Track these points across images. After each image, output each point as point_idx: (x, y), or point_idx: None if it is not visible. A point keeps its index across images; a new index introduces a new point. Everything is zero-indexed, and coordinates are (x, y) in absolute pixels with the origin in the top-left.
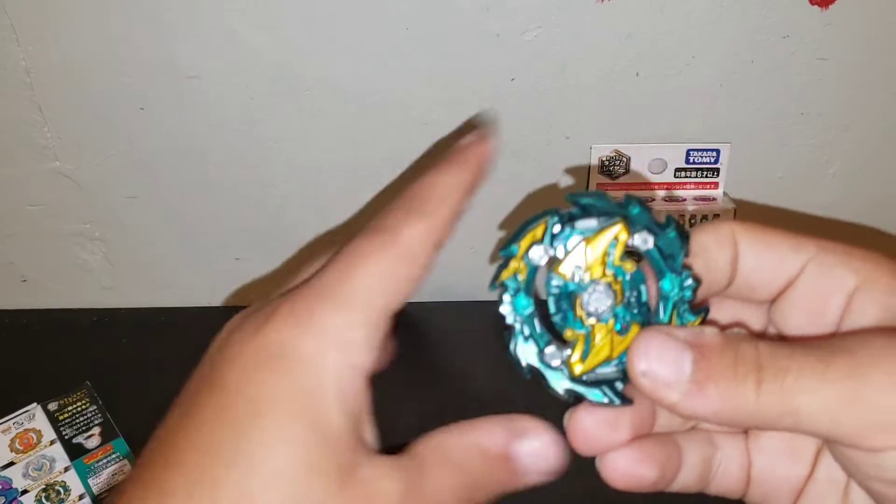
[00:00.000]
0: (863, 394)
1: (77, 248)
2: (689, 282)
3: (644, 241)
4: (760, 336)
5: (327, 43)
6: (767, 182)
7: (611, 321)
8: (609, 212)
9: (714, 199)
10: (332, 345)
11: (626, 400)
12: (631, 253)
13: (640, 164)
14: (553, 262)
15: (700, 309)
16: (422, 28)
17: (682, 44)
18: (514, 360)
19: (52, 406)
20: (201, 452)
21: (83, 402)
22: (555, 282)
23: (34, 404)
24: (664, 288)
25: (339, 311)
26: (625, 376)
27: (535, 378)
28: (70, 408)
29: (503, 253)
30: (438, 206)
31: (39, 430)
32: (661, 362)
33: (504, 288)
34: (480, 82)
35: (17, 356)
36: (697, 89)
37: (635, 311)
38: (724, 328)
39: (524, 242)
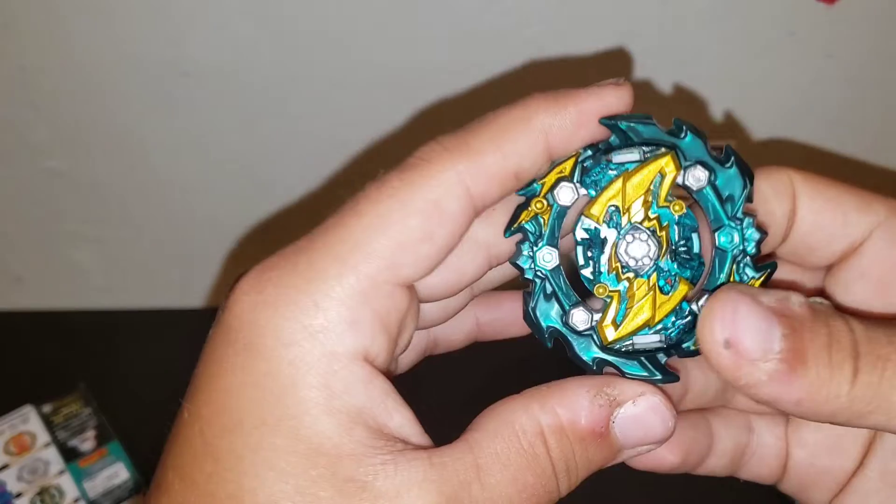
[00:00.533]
0: None
1: (72, 248)
2: (753, 232)
3: (697, 178)
4: (845, 312)
5: (326, 41)
6: None
7: (653, 276)
8: (654, 140)
9: None
10: (304, 329)
11: (669, 375)
12: (681, 192)
13: None
14: (585, 204)
15: (765, 265)
16: (422, 26)
17: (686, 40)
18: (533, 324)
19: (47, 408)
20: (182, 479)
21: (77, 404)
22: (585, 225)
23: (28, 406)
24: (722, 238)
25: (315, 280)
26: (670, 346)
27: (558, 346)
28: (64, 410)
29: (523, 192)
30: (495, 143)
31: (33, 433)
32: (748, 332)
33: (523, 234)
34: (482, 80)
35: (10, 357)
36: (701, 86)
37: (684, 264)
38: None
39: (549, 178)
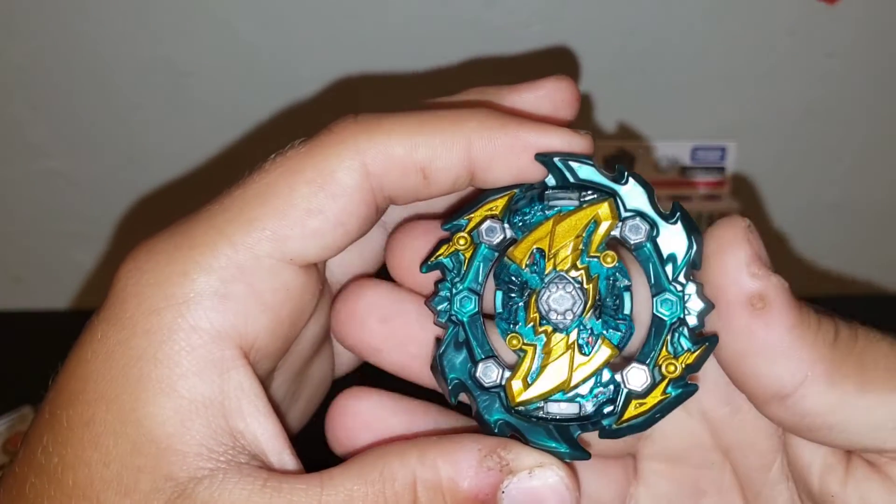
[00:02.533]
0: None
1: (72, 248)
2: (696, 303)
3: (636, 231)
4: None
5: (326, 40)
6: (774, 180)
7: (573, 332)
8: (591, 184)
9: (719, 197)
10: (167, 298)
11: (578, 451)
12: (616, 244)
13: (645, 162)
14: (510, 245)
15: (704, 339)
16: (422, 25)
17: (686, 40)
18: (438, 374)
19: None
20: (24, 449)
21: None
22: (506, 268)
23: (27, 407)
24: (662, 307)
25: (186, 247)
26: (585, 418)
27: (463, 404)
28: None
29: (447, 226)
30: (409, 129)
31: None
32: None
33: (441, 271)
34: (483, 78)
35: (9, 357)
36: (703, 86)
37: (610, 324)
38: None
39: (478, 214)
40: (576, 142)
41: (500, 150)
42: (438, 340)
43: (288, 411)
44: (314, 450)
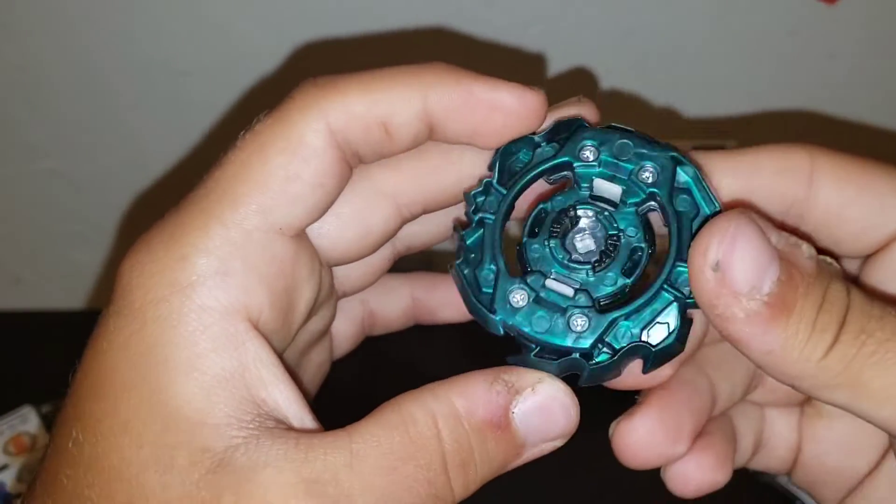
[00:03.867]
0: None
1: (71, 248)
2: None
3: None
4: (854, 282)
5: (326, 39)
6: None
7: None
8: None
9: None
10: (171, 284)
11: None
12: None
13: None
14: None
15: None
16: (423, 24)
17: (686, 40)
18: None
19: (46, 409)
20: (52, 444)
21: None
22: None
23: (27, 407)
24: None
25: (180, 234)
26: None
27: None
28: None
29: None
30: (366, 86)
31: (33, 434)
32: (743, 262)
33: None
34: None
35: (9, 358)
36: (703, 86)
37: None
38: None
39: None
40: (528, 98)
41: (456, 103)
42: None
43: None
44: None
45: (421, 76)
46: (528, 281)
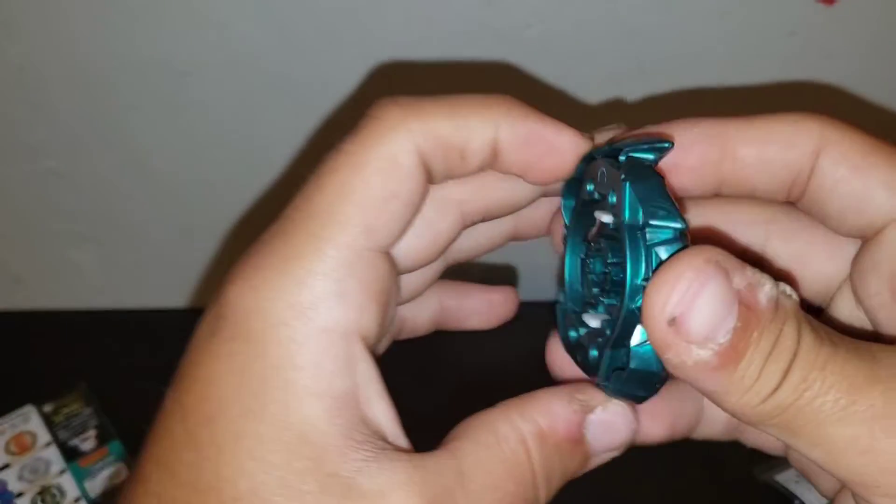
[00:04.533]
0: (883, 446)
1: (71, 248)
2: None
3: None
4: (814, 311)
5: (325, 39)
6: None
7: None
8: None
9: None
10: (291, 308)
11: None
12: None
13: None
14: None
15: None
16: (423, 23)
17: (686, 41)
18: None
19: (47, 408)
20: (161, 469)
21: (78, 403)
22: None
23: (28, 406)
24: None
25: (294, 258)
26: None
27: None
28: (65, 410)
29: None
30: (448, 112)
31: (34, 433)
32: (701, 316)
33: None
34: (482, 78)
35: (10, 357)
36: (703, 87)
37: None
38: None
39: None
40: (581, 144)
41: (521, 138)
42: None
43: None
44: None
45: (494, 107)
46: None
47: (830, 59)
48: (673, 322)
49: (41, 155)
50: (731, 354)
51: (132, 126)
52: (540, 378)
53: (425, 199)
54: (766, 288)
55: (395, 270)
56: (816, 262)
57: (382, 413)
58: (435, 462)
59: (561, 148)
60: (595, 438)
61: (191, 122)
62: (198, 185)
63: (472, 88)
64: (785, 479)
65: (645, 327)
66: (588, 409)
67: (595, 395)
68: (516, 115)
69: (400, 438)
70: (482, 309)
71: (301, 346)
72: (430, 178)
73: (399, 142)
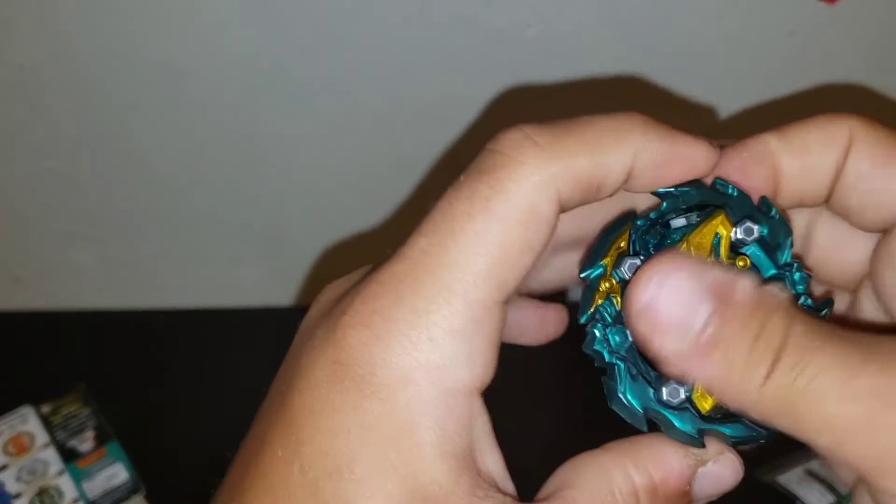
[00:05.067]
0: (884, 422)
1: (71, 248)
2: (799, 275)
3: (748, 231)
4: (808, 307)
5: (325, 39)
6: None
7: None
8: (705, 203)
9: None
10: (420, 366)
11: (770, 429)
12: (735, 248)
13: None
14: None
15: (822, 303)
16: (423, 23)
17: (686, 41)
18: (626, 408)
19: (45, 409)
20: None
21: (76, 404)
22: None
23: (27, 407)
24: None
25: (425, 312)
26: None
27: (652, 426)
28: (63, 410)
29: (587, 274)
30: (589, 148)
31: (32, 433)
32: (669, 304)
33: (599, 319)
34: (482, 79)
35: (9, 358)
36: (703, 87)
37: None
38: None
39: (610, 257)
40: (714, 156)
41: (659, 160)
42: (609, 379)
43: None
44: None
45: (630, 131)
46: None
47: (831, 59)
48: (644, 312)
49: (41, 155)
50: (714, 336)
51: (132, 126)
52: (560, 381)
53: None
54: (742, 282)
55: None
56: (852, 251)
57: (494, 463)
58: None
59: (699, 163)
60: (701, 488)
61: (191, 122)
62: (198, 184)
63: (471, 87)
64: (787, 480)
65: (627, 325)
66: (701, 463)
67: (709, 448)
68: (652, 136)
69: (508, 484)
70: (536, 325)
71: (428, 406)
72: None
73: (542, 190)
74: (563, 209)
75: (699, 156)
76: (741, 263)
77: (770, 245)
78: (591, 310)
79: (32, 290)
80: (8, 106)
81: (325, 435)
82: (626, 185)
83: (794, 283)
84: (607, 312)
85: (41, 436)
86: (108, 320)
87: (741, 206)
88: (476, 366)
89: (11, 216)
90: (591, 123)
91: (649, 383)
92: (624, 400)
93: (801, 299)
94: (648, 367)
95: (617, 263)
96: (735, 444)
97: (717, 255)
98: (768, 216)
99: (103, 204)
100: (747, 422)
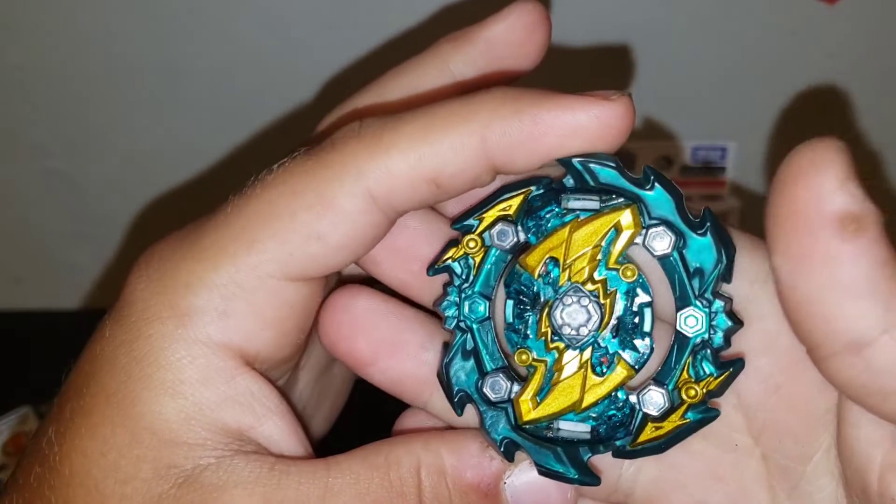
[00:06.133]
0: None
1: (71, 248)
2: (722, 320)
3: (661, 240)
4: None
5: (325, 39)
6: None
7: (587, 350)
8: (614, 188)
9: (720, 197)
10: (170, 306)
11: (588, 476)
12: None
13: (645, 162)
14: (523, 249)
15: (729, 362)
16: (422, 23)
17: (686, 40)
18: (444, 383)
19: (45, 409)
20: (32, 444)
21: None
22: (518, 277)
23: (26, 407)
24: (684, 322)
25: (193, 260)
26: (597, 440)
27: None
28: None
29: (457, 226)
30: (412, 140)
31: (32, 433)
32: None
33: (449, 274)
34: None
35: (8, 358)
36: (703, 86)
37: (627, 344)
38: None
39: (489, 215)
40: (608, 115)
41: (520, 139)
42: (446, 346)
43: (316, 409)
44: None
45: (475, 113)
46: None
47: (832, 59)
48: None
49: (41, 155)
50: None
51: (133, 126)
52: None
53: (380, 236)
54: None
55: (324, 292)
56: None
57: (275, 428)
58: (301, 470)
59: (582, 128)
60: (517, 501)
61: (191, 122)
62: (197, 184)
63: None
64: None
65: (814, 199)
66: (507, 464)
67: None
68: (505, 112)
69: (299, 454)
70: None
71: (167, 347)
72: (402, 211)
73: (343, 182)
74: (392, 209)
75: (584, 121)
76: (629, 274)
77: (691, 267)
78: (440, 263)
79: (33, 290)
80: (9, 106)
81: (82, 362)
82: (503, 170)
83: (707, 326)
84: (457, 273)
85: None
86: None
87: (661, 208)
88: (229, 329)
89: (12, 215)
90: (433, 111)
91: (480, 367)
92: (444, 373)
93: (706, 352)
94: (496, 351)
95: (491, 225)
96: (540, 472)
97: (606, 254)
98: (696, 232)
99: (104, 204)
100: (561, 453)
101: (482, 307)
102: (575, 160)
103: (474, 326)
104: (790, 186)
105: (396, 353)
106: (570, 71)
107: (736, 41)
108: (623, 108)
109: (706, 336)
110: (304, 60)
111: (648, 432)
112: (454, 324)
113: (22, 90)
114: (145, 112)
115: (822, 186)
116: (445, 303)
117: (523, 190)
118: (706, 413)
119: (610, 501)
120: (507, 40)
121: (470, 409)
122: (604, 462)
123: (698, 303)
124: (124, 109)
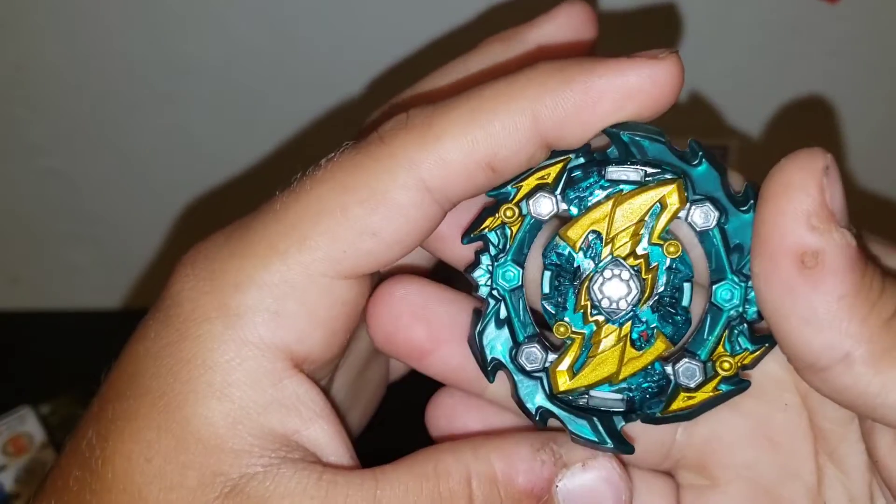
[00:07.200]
0: None
1: (70, 248)
2: (755, 295)
3: (705, 216)
4: None
5: (325, 39)
6: None
7: (626, 325)
8: (661, 162)
9: None
10: (219, 306)
11: (623, 445)
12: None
13: None
14: (563, 222)
15: (763, 338)
16: (422, 22)
17: (686, 39)
18: (477, 351)
19: (44, 409)
20: (70, 443)
21: (75, 405)
22: (558, 249)
23: (25, 407)
24: (720, 293)
25: (241, 257)
26: (630, 410)
27: (504, 381)
28: (62, 411)
29: (493, 193)
30: (463, 125)
31: (31, 434)
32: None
33: (484, 243)
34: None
35: (7, 358)
36: (704, 85)
37: (666, 318)
38: None
39: (528, 183)
40: (662, 73)
41: (573, 110)
42: (477, 313)
43: (349, 412)
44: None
45: (524, 89)
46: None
47: (832, 59)
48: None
49: (41, 155)
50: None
51: (132, 126)
52: None
53: (434, 227)
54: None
55: (371, 288)
56: None
57: (320, 432)
58: (350, 481)
59: (635, 91)
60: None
61: (191, 122)
62: (197, 185)
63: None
64: None
65: (777, 229)
66: (562, 465)
67: (577, 450)
68: (553, 85)
69: (344, 459)
70: None
71: (216, 348)
72: (457, 201)
73: (395, 175)
74: (446, 199)
75: (636, 83)
76: (672, 249)
77: (731, 243)
78: (477, 232)
79: (32, 289)
80: (6, 105)
81: (125, 360)
82: (556, 146)
83: (742, 300)
84: (493, 243)
85: (40, 436)
86: (107, 320)
87: (707, 183)
88: (280, 329)
89: (10, 215)
90: (480, 94)
91: (514, 336)
92: (478, 341)
93: (742, 327)
94: (528, 319)
95: (530, 194)
96: (574, 440)
97: (650, 229)
98: (739, 209)
99: (103, 204)
100: (597, 422)
101: (515, 275)
102: (623, 133)
103: (507, 295)
104: (764, 205)
105: (459, 338)
106: None
107: (736, 41)
108: (673, 65)
109: (740, 309)
110: (305, 61)
111: (680, 401)
112: (487, 292)
113: (21, 90)
114: (144, 112)
115: (786, 216)
116: (478, 270)
117: (562, 158)
118: (738, 384)
119: (661, 468)
120: (556, 40)
121: (501, 377)
122: (657, 431)
123: (735, 277)
124: (122, 109)
